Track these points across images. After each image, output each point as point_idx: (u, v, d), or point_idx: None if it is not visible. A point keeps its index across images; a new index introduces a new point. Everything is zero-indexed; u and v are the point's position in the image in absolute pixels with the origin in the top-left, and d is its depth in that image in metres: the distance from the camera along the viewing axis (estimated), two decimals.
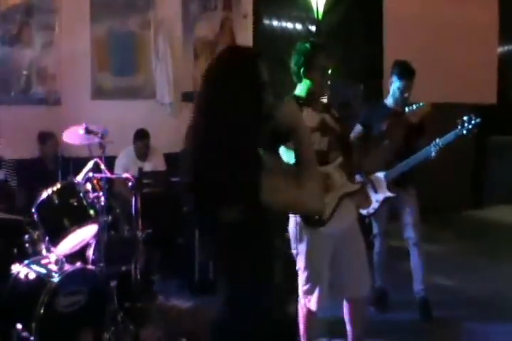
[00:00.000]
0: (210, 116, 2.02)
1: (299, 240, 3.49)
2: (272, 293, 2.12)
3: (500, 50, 9.48)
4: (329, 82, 3.65)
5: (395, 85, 4.72)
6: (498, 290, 5.42)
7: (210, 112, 2.02)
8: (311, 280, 3.53)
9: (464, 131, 4.39)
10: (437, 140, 4.47)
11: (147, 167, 6.24)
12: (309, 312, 3.59)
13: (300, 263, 3.54)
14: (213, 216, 2.02)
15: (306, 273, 3.54)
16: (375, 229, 4.94)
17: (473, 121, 4.37)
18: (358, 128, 4.77)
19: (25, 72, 6.32)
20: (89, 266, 4.23)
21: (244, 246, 2.05)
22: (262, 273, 2.08)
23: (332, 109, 3.65)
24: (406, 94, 4.70)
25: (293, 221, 3.50)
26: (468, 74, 8.48)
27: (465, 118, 4.41)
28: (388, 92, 4.86)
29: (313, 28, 7.92)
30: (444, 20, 8.35)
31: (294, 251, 3.55)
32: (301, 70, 3.48)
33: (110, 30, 6.75)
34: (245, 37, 7.56)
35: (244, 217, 1.98)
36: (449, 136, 4.46)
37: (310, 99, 3.51)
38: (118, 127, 5.83)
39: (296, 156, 2.12)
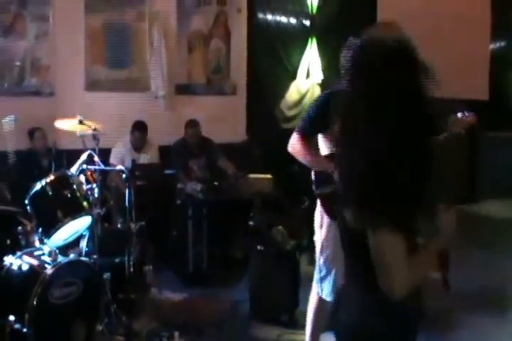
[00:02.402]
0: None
1: (320, 226, 3.56)
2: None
3: (492, 46, 9.49)
4: None
5: None
6: (487, 282, 5.44)
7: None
8: (327, 266, 3.54)
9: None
10: None
11: (142, 159, 6.23)
12: (321, 301, 3.61)
13: (318, 249, 3.59)
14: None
15: (322, 259, 3.57)
16: None
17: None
18: None
19: (18, 64, 6.29)
20: (83, 258, 4.23)
21: None
22: None
23: None
24: None
25: (318, 209, 3.57)
26: (461, 70, 8.48)
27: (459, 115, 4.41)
28: None
29: (307, 23, 7.92)
30: (436, 16, 8.35)
31: (315, 238, 3.63)
32: None
33: (105, 22, 6.73)
34: (239, 31, 7.56)
35: None
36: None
37: None
38: (112, 119, 5.83)
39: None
